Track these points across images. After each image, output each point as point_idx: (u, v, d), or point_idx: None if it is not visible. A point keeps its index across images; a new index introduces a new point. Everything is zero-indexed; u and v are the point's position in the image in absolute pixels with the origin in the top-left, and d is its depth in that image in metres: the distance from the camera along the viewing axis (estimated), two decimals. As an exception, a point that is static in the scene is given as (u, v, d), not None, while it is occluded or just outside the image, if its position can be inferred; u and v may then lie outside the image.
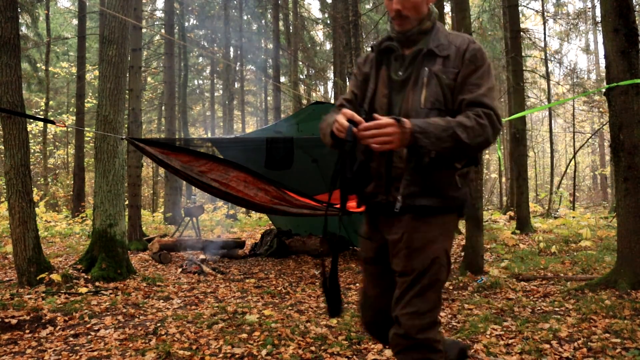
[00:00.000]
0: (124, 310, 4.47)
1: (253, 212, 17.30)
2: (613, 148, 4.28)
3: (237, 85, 25.06)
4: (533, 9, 20.67)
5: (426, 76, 1.87)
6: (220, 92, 28.85)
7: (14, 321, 4.03)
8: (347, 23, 14.42)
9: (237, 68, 24.00)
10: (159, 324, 4.00)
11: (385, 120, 1.68)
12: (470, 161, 1.93)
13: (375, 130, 1.68)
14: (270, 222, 10.79)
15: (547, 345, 3.12)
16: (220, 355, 3.24)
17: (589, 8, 21.72)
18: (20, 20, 10.70)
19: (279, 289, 5.49)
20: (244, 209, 17.97)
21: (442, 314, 4.06)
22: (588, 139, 18.85)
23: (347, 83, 20.32)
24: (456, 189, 1.90)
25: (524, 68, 12.82)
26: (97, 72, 15.65)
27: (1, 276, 6.19)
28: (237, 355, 3.23)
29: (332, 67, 20.18)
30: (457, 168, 1.87)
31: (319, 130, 2.03)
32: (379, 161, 1.90)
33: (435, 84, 1.85)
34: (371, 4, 19.96)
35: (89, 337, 3.73)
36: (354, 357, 3.18)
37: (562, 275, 5.34)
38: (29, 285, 5.24)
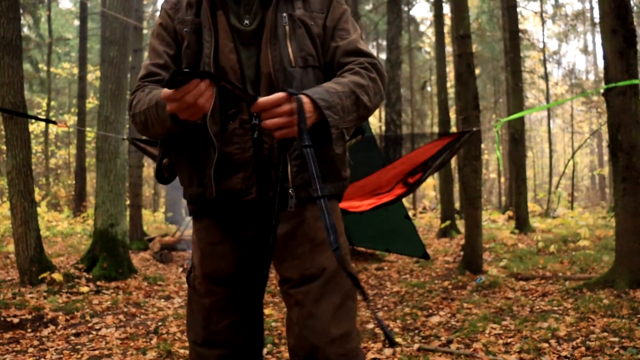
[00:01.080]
0: (125, 310, 4.50)
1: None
2: (611, 148, 4.31)
3: (236, 85, 25.02)
4: (532, 10, 20.70)
5: (287, 24, 1.44)
6: (220, 92, 28.80)
7: (15, 320, 4.04)
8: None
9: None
10: (160, 323, 4.02)
11: (276, 96, 1.21)
12: (357, 130, 1.57)
13: (274, 110, 1.21)
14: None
15: (546, 344, 3.14)
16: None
17: (588, 9, 21.76)
18: (22, 21, 10.69)
19: (279, 288, 5.52)
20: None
21: (441, 313, 4.10)
22: (586, 140, 18.90)
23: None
24: (345, 167, 1.54)
25: (523, 69, 12.86)
26: (98, 73, 15.62)
27: (3, 275, 6.20)
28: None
29: (331, 68, 20.15)
30: (346, 140, 1.48)
31: (133, 119, 1.43)
32: (241, 145, 1.42)
33: (302, 35, 1.44)
34: (371, 5, 19.99)
35: (91, 336, 3.75)
36: (355, 355, 3.20)
37: (560, 274, 5.37)
38: (30, 285, 5.26)
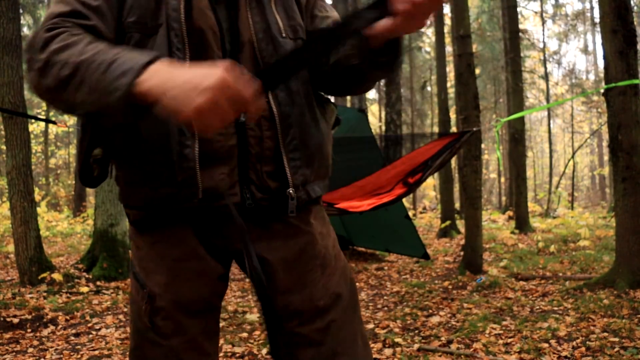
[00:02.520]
0: (125, 310, 4.49)
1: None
2: (611, 148, 4.31)
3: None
4: (532, 10, 20.70)
5: None
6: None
7: (15, 320, 4.05)
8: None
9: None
10: (160, 323, 4.02)
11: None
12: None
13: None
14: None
15: (546, 344, 3.14)
16: (221, 354, 3.26)
17: (588, 9, 21.76)
18: (22, 21, 10.73)
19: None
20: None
21: (441, 313, 4.09)
22: (587, 139, 18.90)
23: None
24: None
25: (523, 69, 12.86)
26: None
27: (3, 275, 6.21)
28: (237, 354, 3.25)
29: (331, 68, 20.15)
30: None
31: (45, 66, 0.94)
32: (222, 130, 1.04)
33: (291, 1, 1.18)
34: (370, 5, 19.96)
35: (90, 336, 3.75)
36: (355, 355, 3.20)
37: (560, 274, 5.36)
38: (30, 285, 5.26)
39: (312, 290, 1.15)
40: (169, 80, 0.84)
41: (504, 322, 3.68)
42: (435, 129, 18.69)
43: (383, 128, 15.96)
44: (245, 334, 3.64)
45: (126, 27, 1.03)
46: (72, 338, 3.72)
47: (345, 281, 1.21)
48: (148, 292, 1.11)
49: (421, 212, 17.16)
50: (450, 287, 5.10)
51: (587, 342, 3.12)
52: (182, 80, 0.83)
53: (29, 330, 3.90)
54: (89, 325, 4.03)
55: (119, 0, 1.04)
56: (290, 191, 1.09)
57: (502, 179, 21.65)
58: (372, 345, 3.34)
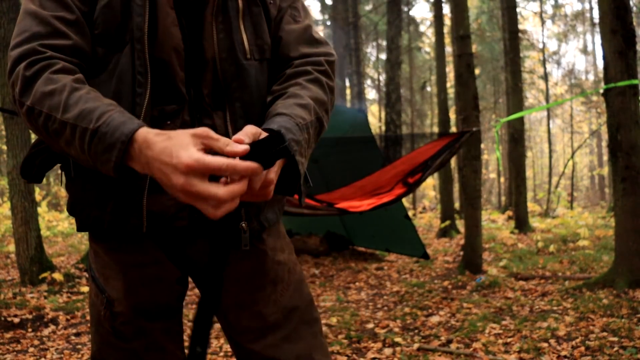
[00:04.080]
0: (126, 309, 4.51)
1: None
2: (611, 148, 4.32)
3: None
4: (531, 11, 20.72)
5: None
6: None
7: (16, 320, 4.05)
8: (346, 24, 14.45)
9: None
10: (160, 323, 4.03)
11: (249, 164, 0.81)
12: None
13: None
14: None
15: (545, 344, 3.15)
16: (221, 353, 3.27)
17: (587, 9, 21.78)
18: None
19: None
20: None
21: (441, 312, 4.10)
22: (586, 140, 18.92)
23: (347, 84, 20.39)
24: None
25: (523, 69, 12.87)
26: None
27: (4, 275, 6.21)
28: (238, 354, 3.26)
29: (331, 68, 20.16)
30: None
31: (29, 113, 0.92)
32: None
33: (259, 15, 1.10)
34: (371, 5, 20.01)
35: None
36: (354, 355, 3.21)
37: (560, 274, 5.38)
38: (31, 284, 5.27)
39: (262, 306, 1.15)
40: (151, 166, 0.82)
41: (504, 322, 3.69)
42: (435, 129, 18.70)
43: (383, 128, 15.97)
44: (245, 334, 3.65)
45: (93, 40, 1.00)
46: (73, 337, 3.73)
47: (300, 294, 1.20)
48: (107, 298, 1.11)
49: (421, 212, 17.17)
50: (449, 286, 5.11)
51: (587, 342, 3.13)
52: (160, 170, 0.81)
53: (29, 329, 3.91)
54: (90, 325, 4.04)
55: (90, 10, 1.00)
56: (243, 225, 1.07)
57: (502, 179, 21.67)
58: (372, 345, 3.35)
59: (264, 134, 0.90)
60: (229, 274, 1.12)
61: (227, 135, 1.03)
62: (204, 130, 0.82)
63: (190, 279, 1.19)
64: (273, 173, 0.89)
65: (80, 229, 1.12)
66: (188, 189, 0.78)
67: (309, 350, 1.16)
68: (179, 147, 0.79)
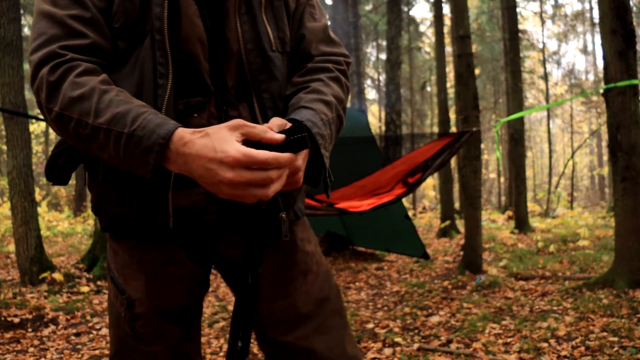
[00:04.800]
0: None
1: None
2: (611, 148, 4.32)
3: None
4: (531, 11, 20.72)
5: None
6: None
7: (16, 320, 4.06)
8: (346, 24, 14.45)
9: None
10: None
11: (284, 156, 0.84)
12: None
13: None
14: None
15: (545, 344, 3.15)
16: (221, 353, 3.27)
17: (587, 9, 21.78)
18: (22, 22, 10.72)
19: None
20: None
21: (441, 312, 4.10)
22: (586, 140, 18.92)
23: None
24: None
25: (523, 69, 12.88)
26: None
27: (4, 275, 6.21)
28: (238, 354, 3.25)
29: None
30: None
31: (58, 118, 0.91)
32: None
33: (280, 8, 1.11)
34: (371, 5, 20.01)
35: (91, 335, 3.76)
36: (355, 355, 3.21)
37: (560, 274, 5.38)
38: (31, 285, 5.27)
39: (295, 298, 1.14)
40: (191, 164, 0.84)
41: (504, 322, 3.69)
42: (435, 129, 18.70)
43: (383, 128, 15.98)
44: (245, 334, 3.64)
45: (113, 35, 0.99)
46: (73, 338, 3.73)
47: (329, 285, 1.20)
48: (127, 299, 1.09)
49: (421, 212, 17.18)
50: (449, 286, 5.11)
51: (587, 342, 3.13)
52: (203, 167, 0.82)
53: (29, 329, 3.91)
54: (90, 324, 4.04)
55: (108, 6, 0.98)
56: (283, 215, 1.07)
57: (502, 179, 21.67)
58: (372, 345, 3.35)
59: (289, 125, 0.92)
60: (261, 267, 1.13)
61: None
62: (237, 121, 0.84)
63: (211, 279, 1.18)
64: (301, 160, 0.91)
65: (105, 229, 1.11)
66: (238, 179, 0.80)
67: (341, 341, 1.16)
68: (222, 141, 0.81)
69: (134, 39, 0.98)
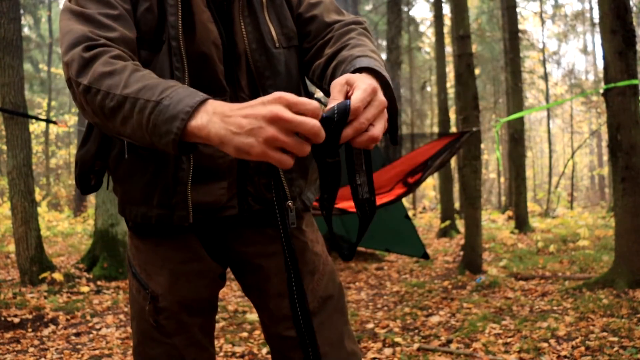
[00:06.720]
0: (126, 309, 4.50)
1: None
2: (611, 148, 4.32)
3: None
4: (531, 11, 20.71)
5: None
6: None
7: (16, 320, 4.06)
8: (346, 24, 14.43)
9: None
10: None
11: (370, 86, 0.82)
12: None
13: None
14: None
15: (545, 344, 3.15)
16: (221, 353, 3.27)
17: (587, 9, 21.78)
18: (22, 22, 10.73)
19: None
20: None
21: (441, 312, 4.10)
22: (586, 140, 18.92)
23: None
24: None
25: (522, 69, 12.87)
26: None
27: (4, 275, 6.21)
28: (237, 354, 3.26)
29: (331, 68, 20.14)
30: None
31: (87, 93, 0.90)
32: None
33: (281, 5, 1.16)
34: (371, 6, 20.01)
35: (91, 335, 3.76)
36: (355, 355, 3.21)
37: (560, 274, 5.38)
38: (31, 284, 5.27)
39: (316, 291, 1.21)
40: (224, 128, 0.77)
41: (504, 322, 3.69)
42: (435, 129, 18.70)
43: (383, 128, 15.92)
44: (245, 334, 3.65)
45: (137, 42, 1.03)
46: (73, 338, 3.73)
47: (334, 284, 1.25)
48: (150, 293, 1.15)
49: (421, 212, 17.18)
50: (449, 286, 5.11)
51: (587, 342, 3.13)
52: (236, 126, 0.76)
53: (29, 329, 3.91)
54: (90, 324, 4.04)
55: (133, 13, 1.04)
56: (289, 203, 1.08)
57: (502, 179, 21.67)
58: (372, 345, 3.35)
59: (351, 76, 0.86)
60: (272, 265, 1.19)
61: None
62: (277, 93, 0.78)
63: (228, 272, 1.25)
64: (374, 109, 0.82)
65: (131, 228, 1.19)
66: (280, 138, 0.74)
67: (341, 336, 1.22)
68: (261, 100, 0.77)
69: (153, 47, 1.04)
